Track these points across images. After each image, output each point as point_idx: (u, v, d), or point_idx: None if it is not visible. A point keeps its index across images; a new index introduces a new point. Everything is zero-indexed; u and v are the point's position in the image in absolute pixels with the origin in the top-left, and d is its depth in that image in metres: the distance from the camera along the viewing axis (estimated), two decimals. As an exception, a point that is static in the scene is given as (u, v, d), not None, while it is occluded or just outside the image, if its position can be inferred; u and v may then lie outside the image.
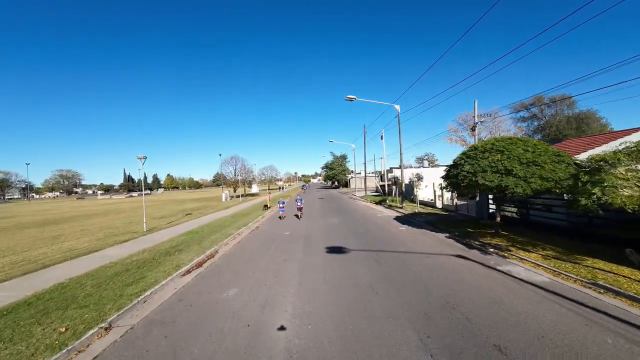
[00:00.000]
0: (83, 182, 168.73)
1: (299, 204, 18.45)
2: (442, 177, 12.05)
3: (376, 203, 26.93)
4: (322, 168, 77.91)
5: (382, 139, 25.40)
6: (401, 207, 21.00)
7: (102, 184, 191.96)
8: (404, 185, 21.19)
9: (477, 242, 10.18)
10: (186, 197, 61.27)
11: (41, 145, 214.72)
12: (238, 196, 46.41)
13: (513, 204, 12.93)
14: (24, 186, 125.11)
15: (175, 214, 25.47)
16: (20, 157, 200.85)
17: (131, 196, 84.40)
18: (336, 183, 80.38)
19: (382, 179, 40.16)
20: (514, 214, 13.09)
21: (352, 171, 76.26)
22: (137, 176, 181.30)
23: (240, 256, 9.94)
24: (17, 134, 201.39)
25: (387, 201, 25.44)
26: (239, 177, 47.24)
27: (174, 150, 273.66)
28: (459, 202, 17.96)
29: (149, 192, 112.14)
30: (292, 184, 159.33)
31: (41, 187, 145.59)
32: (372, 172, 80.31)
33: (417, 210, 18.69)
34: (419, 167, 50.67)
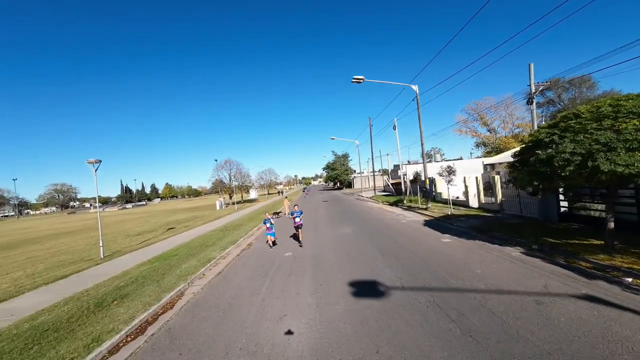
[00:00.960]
0: (80, 196, 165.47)
1: (297, 219, 11.32)
2: (511, 166, 8.35)
3: (391, 204, 23.18)
4: (323, 169, 74.17)
5: (394, 129, 21.74)
6: (426, 209, 17.26)
7: (99, 196, 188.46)
8: (427, 182, 17.45)
9: (586, 264, 6.46)
10: (180, 207, 57.56)
11: (36, 160, 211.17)
12: (234, 203, 42.76)
13: (601, 198, 9.20)
14: (18, 202, 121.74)
15: (157, 228, 21.77)
16: (13, 173, 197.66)
17: (125, 208, 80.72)
18: (338, 184, 76.64)
19: (391, 177, 36.43)
20: (601, 213, 9.37)
21: (355, 170, 72.58)
22: (134, 187, 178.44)
23: (214, 306, 6.22)
24: (10, 149, 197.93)
25: (405, 201, 21.71)
26: (235, 183, 43.53)
27: (172, 158, 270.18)
28: (501, 199, 14.21)
29: (144, 202, 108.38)
30: (292, 187, 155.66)
31: (36, 202, 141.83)
32: (377, 171, 76.56)
33: (449, 212, 14.95)
34: (428, 162, 46.98)
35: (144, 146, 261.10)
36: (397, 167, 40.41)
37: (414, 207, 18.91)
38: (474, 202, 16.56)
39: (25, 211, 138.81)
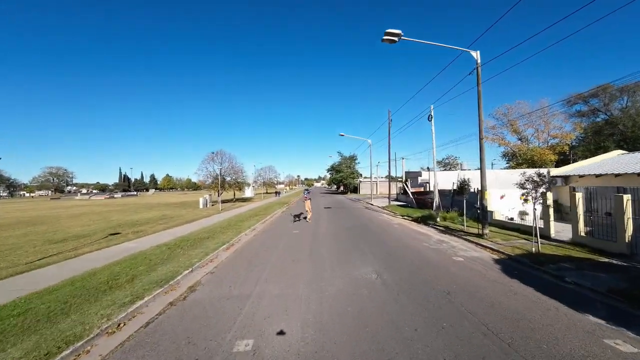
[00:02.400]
0: (76, 181, 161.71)
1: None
2: None
3: (416, 221, 17.40)
4: (328, 170, 68.63)
5: (430, 119, 15.76)
6: (480, 236, 11.49)
7: (98, 182, 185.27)
8: (486, 197, 11.70)
9: None
10: (166, 201, 52.08)
11: (37, 143, 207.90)
12: (224, 202, 37.22)
13: None
14: (8, 184, 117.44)
15: (102, 230, 16.22)
16: (11, 154, 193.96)
17: (112, 197, 75.48)
18: (342, 188, 70.92)
19: (407, 184, 30.60)
20: None
21: (361, 174, 66.85)
22: (133, 176, 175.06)
23: None
24: (11, 131, 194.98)
25: (438, 219, 15.94)
26: (226, 178, 37.95)
27: (176, 150, 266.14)
28: (631, 236, 8.38)
29: (135, 193, 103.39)
30: (294, 187, 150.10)
31: (29, 184, 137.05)
32: (384, 177, 70.48)
33: (533, 249, 9.15)
34: (444, 170, 40.53)
35: (147, 136, 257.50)
36: (415, 174, 34.59)
37: (457, 231, 13.15)
38: (560, 232, 10.78)
39: (20, 193, 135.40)
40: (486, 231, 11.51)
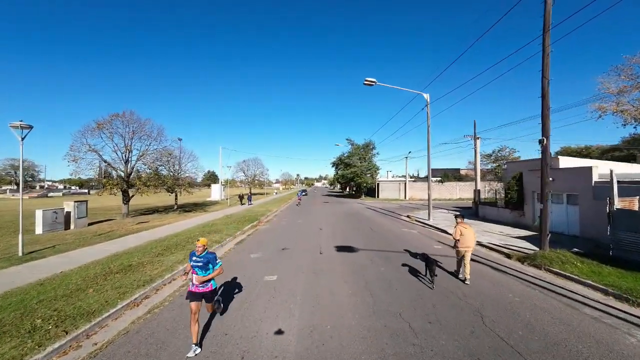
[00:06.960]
0: (51, 176, 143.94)
1: None
2: None
3: None
4: (333, 164, 50.38)
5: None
6: None
7: (79, 178, 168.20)
8: None
9: None
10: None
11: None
12: (146, 213, 19.71)
13: None
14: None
15: None
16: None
17: (47, 196, 57.99)
18: (350, 189, 53.01)
19: (614, 188, 12.60)
20: None
21: (379, 169, 48.44)
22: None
23: None
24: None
25: None
26: (145, 169, 20.22)
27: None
28: None
29: (86, 191, 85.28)
30: (291, 187, 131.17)
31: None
32: (402, 176, 51.36)
33: None
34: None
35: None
36: (535, 162, 16.41)
37: None
38: None
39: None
40: None
